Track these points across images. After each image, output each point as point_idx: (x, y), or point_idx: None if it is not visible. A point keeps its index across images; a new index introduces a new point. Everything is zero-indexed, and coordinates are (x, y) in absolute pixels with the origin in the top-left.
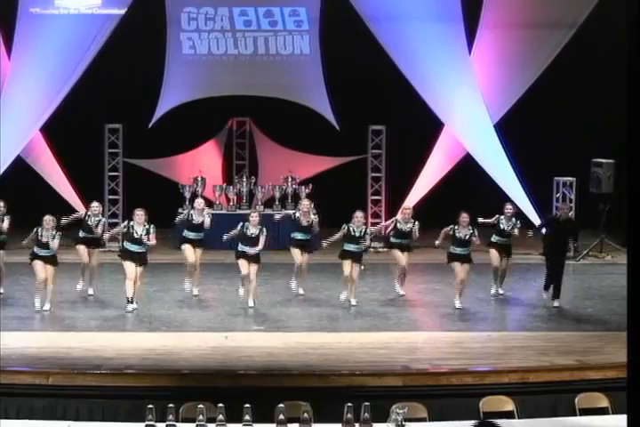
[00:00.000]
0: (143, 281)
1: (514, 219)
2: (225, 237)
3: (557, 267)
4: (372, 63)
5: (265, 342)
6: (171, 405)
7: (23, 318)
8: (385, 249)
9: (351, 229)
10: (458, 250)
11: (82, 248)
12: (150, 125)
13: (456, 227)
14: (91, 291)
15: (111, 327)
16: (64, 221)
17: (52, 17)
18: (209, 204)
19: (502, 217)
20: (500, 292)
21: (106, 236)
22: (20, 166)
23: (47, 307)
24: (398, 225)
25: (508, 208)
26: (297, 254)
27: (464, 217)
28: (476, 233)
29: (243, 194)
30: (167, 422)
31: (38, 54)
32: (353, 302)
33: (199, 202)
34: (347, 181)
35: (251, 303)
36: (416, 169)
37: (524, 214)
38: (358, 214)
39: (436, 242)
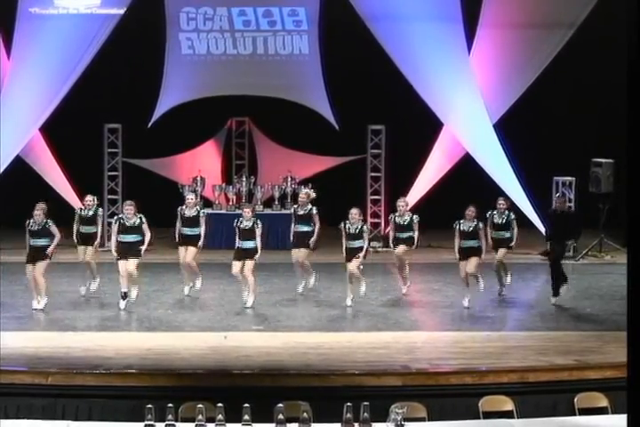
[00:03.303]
0: (136, 276)
1: (507, 212)
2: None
3: (556, 262)
4: (371, 63)
5: (264, 341)
6: (170, 405)
7: (22, 318)
8: (384, 249)
9: (347, 226)
10: (465, 244)
11: (80, 248)
12: (149, 125)
13: (461, 220)
14: (93, 287)
15: (110, 327)
16: None
17: (52, 17)
18: (208, 203)
19: (495, 211)
20: (508, 281)
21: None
22: (19, 166)
23: (41, 305)
24: (396, 219)
25: (501, 203)
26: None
27: (470, 210)
28: (481, 226)
29: (242, 194)
30: (166, 422)
31: (38, 54)
32: (348, 301)
33: (190, 197)
34: (346, 181)
35: (249, 303)
36: (415, 169)
37: (524, 214)
38: (353, 211)
39: (455, 247)
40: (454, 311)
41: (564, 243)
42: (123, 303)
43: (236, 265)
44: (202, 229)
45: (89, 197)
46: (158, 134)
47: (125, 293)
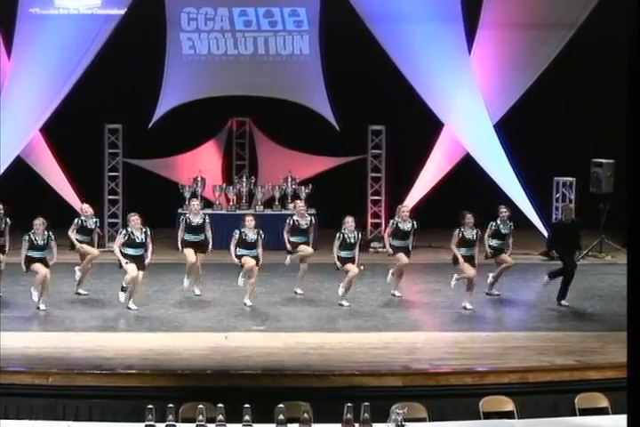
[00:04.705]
0: (144, 282)
1: (508, 221)
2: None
3: (571, 268)
4: (371, 63)
5: (265, 342)
6: (170, 405)
7: (23, 319)
8: (384, 249)
9: (345, 236)
10: (467, 252)
11: (85, 246)
12: (150, 126)
13: (462, 229)
14: (82, 290)
15: (111, 328)
16: None
17: (52, 17)
18: (208, 204)
19: (498, 221)
20: (496, 292)
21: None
22: (20, 166)
23: (43, 306)
24: (399, 225)
25: (503, 211)
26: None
27: (468, 218)
28: (480, 233)
29: (242, 194)
30: (167, 423)
31: (38, 54)
32: (345, 303)
33: (195, 203)
34: (346, 182)
35: (249, 302)
36: (416, 169)
37: (525, 215)
38: (348, 220)
39: (458, 255)
40: (454, 312)
41: (576, 254)
42: (122, 296)
43: (249, 261)
44: (209, 236)
45: (85, 205)
46: (159, 135)
47: (126, 287)
